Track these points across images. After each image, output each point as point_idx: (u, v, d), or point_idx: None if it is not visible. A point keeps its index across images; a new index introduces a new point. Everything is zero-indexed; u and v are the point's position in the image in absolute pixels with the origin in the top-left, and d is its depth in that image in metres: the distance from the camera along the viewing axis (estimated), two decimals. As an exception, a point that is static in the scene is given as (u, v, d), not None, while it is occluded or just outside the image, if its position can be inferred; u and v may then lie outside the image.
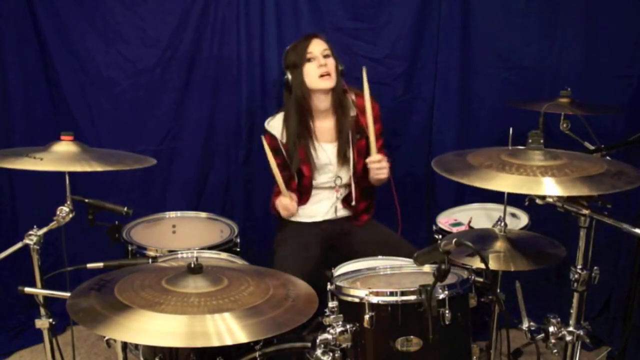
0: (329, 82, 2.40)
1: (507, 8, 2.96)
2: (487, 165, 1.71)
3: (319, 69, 2.39)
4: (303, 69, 2.41)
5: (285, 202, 2.42)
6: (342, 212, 2.59)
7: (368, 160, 2.41)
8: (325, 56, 2.42)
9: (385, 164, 2.42)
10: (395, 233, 2.56)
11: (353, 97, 2.50)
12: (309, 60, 2.40)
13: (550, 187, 1.59)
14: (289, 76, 2.43)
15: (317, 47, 2.42)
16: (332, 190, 2.55)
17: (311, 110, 2.47)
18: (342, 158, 2.48)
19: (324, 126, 2.50)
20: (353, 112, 2.48)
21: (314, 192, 2.55)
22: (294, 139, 2.45)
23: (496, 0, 2.96)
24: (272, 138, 2.47)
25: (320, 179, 2.52)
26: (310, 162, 2.48)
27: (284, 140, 2.46)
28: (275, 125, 2.50)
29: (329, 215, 2.56)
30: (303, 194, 2.53)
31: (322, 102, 2.46)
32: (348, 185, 2.54)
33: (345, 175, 2.52)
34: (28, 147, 2.00)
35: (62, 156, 1.94)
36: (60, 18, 2.82)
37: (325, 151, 2.49)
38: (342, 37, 2.94)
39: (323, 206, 2.56)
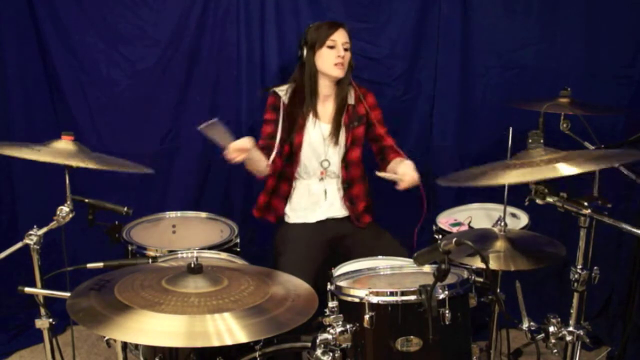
0: (340, 72, 2.49)
1: (507, 8, 2.96)
2: (491, 169, 1.71)
3: (336, 58, 2.47)
4: (319, 52, 2.49)
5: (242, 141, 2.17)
6: (343, 212, 2.58)
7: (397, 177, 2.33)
8: (345, 49, 2.50)
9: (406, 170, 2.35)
10: (395, 240, 2.54)
11: (355, 89, 2.60)
12: (330, 47, 2.47)
13: (564, 169, 1.58)
14: (304, 53, 2.51)
15: (341, 37, 2.49)
16: (319, 176, 2.57)
17: (316, 91, 2.55)
18: (334, 140, 2.54)
19: (323, 108, 2.57)
20: (351, 101, 2.57)
21: (302, 182, 2.57)
22: (298, 104, 2.52)
23: (496, 0, 2.96)
24: (275, 96, 2.55)
25: (310, 158, 2.54)
26: (304, 134, 2.52)
27: (287, 102, 2.53)
28: (282, 87, 2.57)
29: (327, 214, 2.56)
30: (288, 168, 2.55)
31: (326, 88, 2.55)
32: (338, 177, 2.57)
33: (335, 160, 2.55)
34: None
35: (60, 150, 1.94)
36: (60, 18, 2.82)
37: (320, 129, 2.54)
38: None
39: (313, 196, 2.56)
